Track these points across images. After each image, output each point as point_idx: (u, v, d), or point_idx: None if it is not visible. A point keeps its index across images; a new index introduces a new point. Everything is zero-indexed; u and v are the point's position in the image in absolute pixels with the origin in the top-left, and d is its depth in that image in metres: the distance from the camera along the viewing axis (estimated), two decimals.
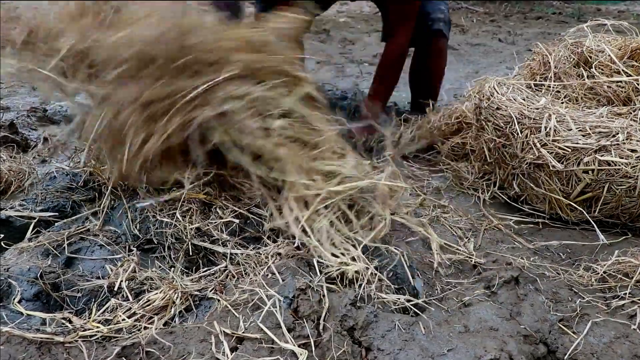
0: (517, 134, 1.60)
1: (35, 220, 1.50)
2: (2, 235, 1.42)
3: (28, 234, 1.45)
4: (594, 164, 1.48)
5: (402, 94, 3.06)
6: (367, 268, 1.22)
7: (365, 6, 6.73)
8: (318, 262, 1.21)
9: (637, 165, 1.46)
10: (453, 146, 2.05)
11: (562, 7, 8.91)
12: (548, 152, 1.53)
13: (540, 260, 1.41)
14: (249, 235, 1.35)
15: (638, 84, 1.70)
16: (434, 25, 2.33)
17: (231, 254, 1.30)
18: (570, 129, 1.53)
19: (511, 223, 1.62)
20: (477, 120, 1.79)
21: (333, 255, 1.22)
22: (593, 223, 1.53)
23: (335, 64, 4.12)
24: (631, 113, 1.63)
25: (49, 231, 1.46)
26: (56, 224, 1.51)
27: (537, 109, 1.61)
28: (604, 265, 1.35)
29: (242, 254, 1.29)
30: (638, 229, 1.58)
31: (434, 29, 2.34)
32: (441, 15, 2.35)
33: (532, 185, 1.61)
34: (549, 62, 1.84)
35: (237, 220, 1.34)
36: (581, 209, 1.54)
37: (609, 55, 1.77)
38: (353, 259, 1.23)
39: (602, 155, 1.48)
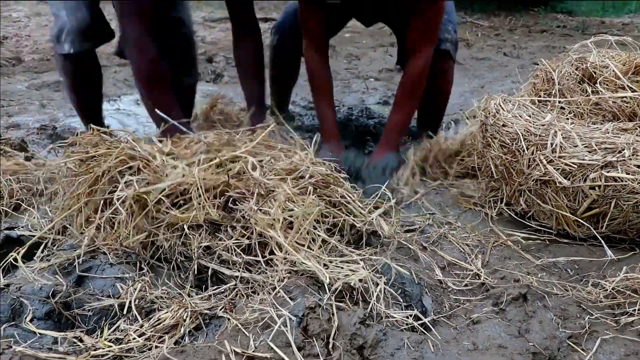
0: (524, 150, 1.61)
1: (46, 240, 1.51)
2: (13, 255, 1.43)
3: (39, 253, 1.47)
4: (601, 180, 1.49)
5: None
6: (377, 284, 1.22)
7: None
8: (324, 278, 1.21)
9: None
10: (459, 163, 2.06)
11: (567, 20, 8.94)
12: (554, 168, 1.53)
13: (548, 277, 1.42)
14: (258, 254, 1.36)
15: None
16: (441, 45, 2.32)
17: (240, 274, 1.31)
18: (576, 145, 1.54)
19: (519, 239, 1.63)
20: (483, 137, 1.80)
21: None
22: (600, 239, 1.53)
23: (341, 80, 4.14)
24: (637, 129, 1.64)
25: (60, 249, 1.47)
26: (67, 242, 1.52)
27: (543, 125, 1.62)
28: (613, 281, 1.35)
29: (250, 275, 1.30)
30: None
31: (441, 49, 2.32)
32: (448, 35, 2.34)
33: (539, 201, 1.62)
34: (553, 79, 1.85)
35: (247, 241, 1.35)
36: (588, 225, 1.54)
37: (614, 71, 1.78)
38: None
39: (608, 172, 1.48)
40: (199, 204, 1.42)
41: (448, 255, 1.49)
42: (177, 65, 2.36)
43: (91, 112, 2.52)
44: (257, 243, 1.34)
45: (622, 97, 1.72)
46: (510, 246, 1.59)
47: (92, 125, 1.68)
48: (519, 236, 1.65)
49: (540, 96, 1.85)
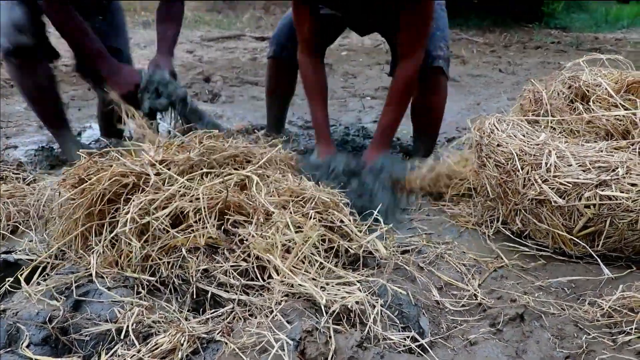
0: (518, 170, 1.62)
1: (43, 264, 1.51)
2: (10, 279, 1.43)
3: (35, 277, 1.47)
4: (595, 199, 1.50)
5: (403, 128, 3.10)
6: (374, 306, 1.23)
7: (366, 39, 6.82)
8: (321, 301, 1.21)
9: (637, 199, 1.48)
10: (455, 184, 2.07)
11: (561, 36, 9.03)
12: (549, 187, 1.54)
13: (545, 296, 1.42)
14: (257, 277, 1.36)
15: (635, 118, 1.73)
16: (434, 62, 2.35)
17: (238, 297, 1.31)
18: (571, 165, 1.55)
19: (515, 258, 1.63)
20: (479, 157, 1.81)
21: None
22: (597, 257, 1.54)
23: (338, 99, 4.17)
24: (630, 147, 1.65)
25: (57, 274, 1.47)
26: (64, 266, 1.52)
27: (537, 144, 1.63)
28: (609, 300, 1.35)
29: (248, 297, 1.30)
30: None
31: (434, 66, 2.36)
32: (441, 52, 2.37)
33: (534, 220, 1.62)
34: (541, 99, 1.87)
35: (244, 264, 1.35)
36: (584, 244, 1.55)
37: (606, 89, 1.80)
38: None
39: (602, 190, 1.49)
40: (199, 226, 1.43)
41: (445, 275, 1.50)
42: None
43: (49, 112, 2.51)
44: (254, 266, 1.34)
45: (615, 116, 1.74)
46: (507, 266, 1.59)
47: (81, 152, 1.69)
48: (515, 255, 1.65)
49: (528, 117, 1.87)
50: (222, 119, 3.49)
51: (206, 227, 1.40)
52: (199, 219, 1.43)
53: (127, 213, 1.45)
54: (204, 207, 1.43)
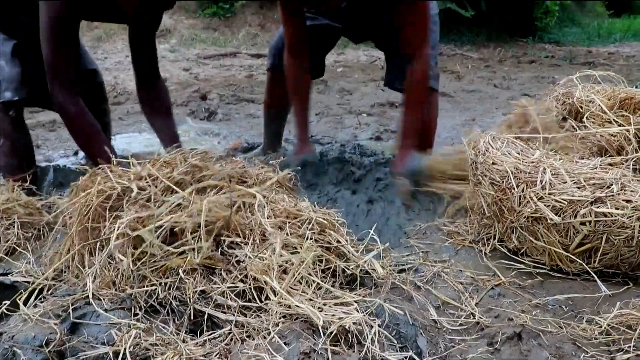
0: (514, 188, 1.63)
1: (40, 286, 1.51)
2: (7, 302, 1.43)
3: (32, 300, 1.46)
4: (591, 216, 1.50)
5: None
6: (371, 326, 1.22)
7: (362, 55, 6.88)
8: (318, 322, 1.21)
9: (633, 215, 1.49)
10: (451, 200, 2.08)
11: (554, 51, 9.11)
12: (545, 205, 1.55)
13: (543, 314, 1.42)
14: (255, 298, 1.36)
15: (629, 134, 1.75)
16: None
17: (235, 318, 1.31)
18: (565, 182, 1.56)
19: (512, 276, 1.63)
20: (474, 175, 1.82)
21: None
22: (593, 274, 1.54)
23: (333, 115, 4.18)
24: (624, 163, 1.67)
25: (54, 296, 1.46)
26: (61, 288, 1.52)
27: (532, 162, 1.64)
28: (607, 317, 1.35)
29: (245, 319, 1.29)
30: (639, 277, 1.59)
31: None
32: (431, 72, 2.42)
33: (531, 238, 1.63)
34: (529, 118, 1.89)
35: (241, 285, 1.35)
36: (580, 261, 1.55)
37: (600, 106, 1.82)
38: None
39: (597, 207, 1.50)
40: (194, 245, 1.43)
41: (442, 294, 1.50)
42: (96, 109, 2.36)
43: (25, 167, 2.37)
44: (252, 287, 1.34)
45: (608, 132, 1.76)
46: (504, 284, 1.59)
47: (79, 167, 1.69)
48: (512, 273, 1.65)
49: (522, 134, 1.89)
50: (219, 137, 3.51)
51: (202, 247, 1.40)
52: (195, 237, 1.43)
53: (116, 229, 1.46)
54: (202, 224, 1.43)
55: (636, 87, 4.04)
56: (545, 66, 7.23)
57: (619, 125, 1.79)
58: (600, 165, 1.64)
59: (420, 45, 2.26)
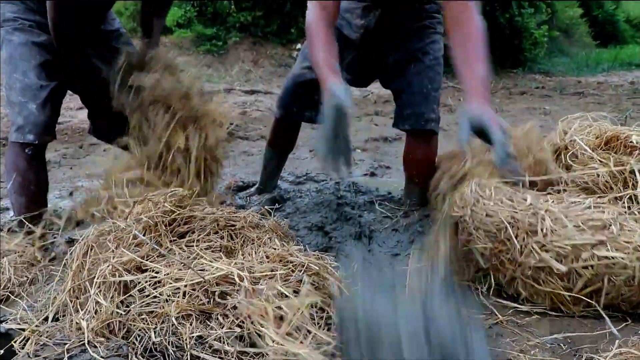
0: (514, 239, 1.62)
1: (35, 333, 1.50)
2: (1, 351, 1.41)
3: (27, 346, 1.45)
4: (593, 260, 1.52)
5: (395, 181, 3.13)
6: None
7: (355, 90, 6.93)
8: None
9: (634, 254, 1.50)
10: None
11: (545, 81, 9.23)
12: (548, 252, 1.56)
13: (542, 354, 1.41)
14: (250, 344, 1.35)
15: (614, 173, 1.78)
16: (427, 125, 2.46)
17: None
18: (566, 226, 1.57)
19: (509, 314, 1.63)
20: (462, 229, 1.78)
21: None
22: (602, 313, 1.55)
23: None
24: (618, 200, 1.69)
25: (47, 345, 1.45)
26: (56, 335, 1.50)
27: (527, 209, 1.64)
28: (607, 356, 1.35)
29: None
30: (637, 314, 1.59)
31: (427, 129, 2.47)
32: (434, 115, 2.47)
33: (533, 284, 1.62)
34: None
35: (238, 330, 1.35)
36: (588, 300, 1.56)
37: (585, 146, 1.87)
38: None
39: (599, 250, 1.51)
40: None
41: None
42: None
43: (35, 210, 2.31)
44: (249, 333, 1.33)
45: (592, 173, 1.79)
46: (502, 322, 1.58)
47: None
48: (509, 312, 1.64)
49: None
50: None
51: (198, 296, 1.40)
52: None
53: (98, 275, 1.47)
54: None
55: (625, 118, 4.10)
56: (536, 97, 7.32)
57: (604, 165, 1.83)
58: (593, 204, 1.65)
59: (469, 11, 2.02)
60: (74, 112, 5.37)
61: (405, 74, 2.48)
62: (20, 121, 2.18)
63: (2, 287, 1.83)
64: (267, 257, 1.55)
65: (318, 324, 1.38)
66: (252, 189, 2.96)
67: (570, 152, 1.95)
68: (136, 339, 1.41)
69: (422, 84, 2.47)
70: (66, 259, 1.71)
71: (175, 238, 1.70)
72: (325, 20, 2.14)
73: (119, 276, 1.48)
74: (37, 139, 2.19)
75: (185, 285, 1.43)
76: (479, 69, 1.93)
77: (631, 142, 1.89)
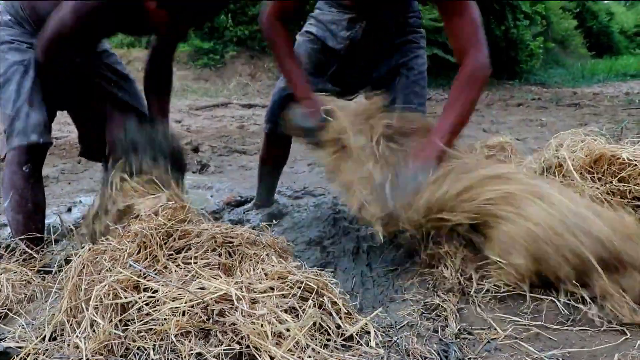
0: None
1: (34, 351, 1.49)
2: None
3: None
4: None
5: None
6: None
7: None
8: None
9: None
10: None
11: (541, 92, 9.29)
12: None
13: None
14: None
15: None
16: None
17: None
18: None
19: (508, 329, 1.63)
20: None
21: None
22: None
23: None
24: None
25: None
26: (54, 354, 1.50)
27: None
28: None
29: None
30: (636, 325, 1.59)
31: None
32: None
33: None
34: None
35: (237, 347, 1.35)
36: None
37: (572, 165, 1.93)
38: None
39: None
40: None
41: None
42: None
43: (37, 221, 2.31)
44: (249, 350, 1.33)
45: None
46: (499, 337, 1.58)
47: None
48: (509, 326, 1.64)
49: None
50: (212, 190, 3.52)
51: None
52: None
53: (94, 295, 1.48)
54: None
55: (621, 129, 4.13)
56: (532, 108, 7.36)
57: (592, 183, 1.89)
58: None
59: (475, 43, 2.09)
60: (71, 127, 5.37)
61: (389, 90, 2.49)
62: (21, 125, 2.20)
63: (0, 305, 1.82)
64: (266, 274, 1.55)
65: (319, 339, 1.38)
66: (249, 205, 2.97)
67: (562, 172, 1.99)
68: (135, 357, 1.41)
69: (407, 100, 2.49)
70: (61, 277, 1.72)
71: (171, 252, 1.70)
72: (282, 20, 2.27)
73: (116, 296, 1.48)
74: (40, 137, 2.21)
75: (184, 304, 1.43)
76: (454, 112, 2.03)
77: (619, 158, 1.93)
